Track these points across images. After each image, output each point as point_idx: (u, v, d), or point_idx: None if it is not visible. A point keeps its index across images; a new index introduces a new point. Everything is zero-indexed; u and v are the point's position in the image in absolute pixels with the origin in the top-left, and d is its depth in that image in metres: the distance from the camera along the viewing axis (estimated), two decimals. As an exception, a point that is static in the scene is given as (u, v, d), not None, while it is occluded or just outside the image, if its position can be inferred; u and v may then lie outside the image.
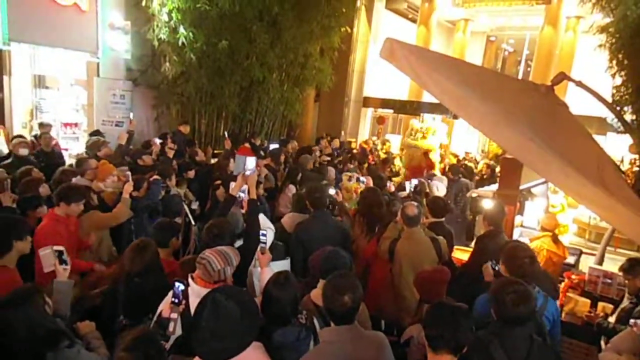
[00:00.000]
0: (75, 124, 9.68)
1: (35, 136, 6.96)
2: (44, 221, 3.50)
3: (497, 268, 3.24)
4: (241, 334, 1.80)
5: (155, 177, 4.53)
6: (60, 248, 2.63)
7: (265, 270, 2.81)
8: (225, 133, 8.36)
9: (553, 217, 4.83)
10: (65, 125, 9.38)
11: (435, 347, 1.88)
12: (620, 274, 4.06)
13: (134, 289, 2.64)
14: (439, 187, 5.77)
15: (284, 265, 3.27)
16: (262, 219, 3.35)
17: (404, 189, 5.84)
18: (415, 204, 3.64)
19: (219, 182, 5.26)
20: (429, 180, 6.22)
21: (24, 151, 5.45)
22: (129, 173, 4.36)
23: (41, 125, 7.14)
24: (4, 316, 2.01)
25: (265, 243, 2.90)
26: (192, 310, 2.18)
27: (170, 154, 6.34)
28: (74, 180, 4.42)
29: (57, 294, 2.45)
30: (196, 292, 2.25)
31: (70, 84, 9.92)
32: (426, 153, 9.41)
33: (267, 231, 3.04)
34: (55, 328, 2.10)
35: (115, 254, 4.03)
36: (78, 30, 8.07)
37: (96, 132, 7.28)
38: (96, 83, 8.54)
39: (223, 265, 2.36)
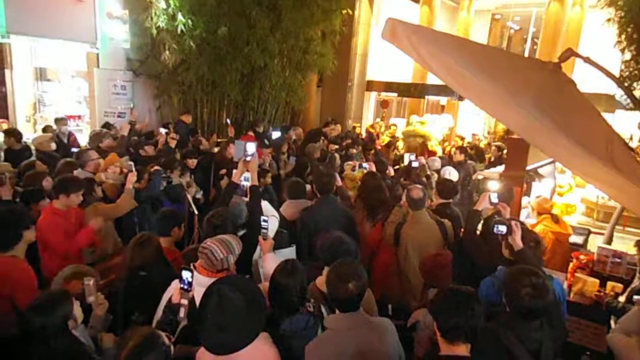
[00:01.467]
0: (79, 116, 9.69)
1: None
2: (42, 215, 3.52)
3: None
4: (247, 327, 1.78)
5: (156, 167, 4.51)
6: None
7: (268, 256, 2.79)
8: (228, 120, 8.31)
9: (545, 199, 4.78)
10: (68, 117, 9.37)
11: (452, 338, 1.84)
12: (631, 252, 4.03)
13: (140, 283, 2.63)
14: (452, 173, 5.70)
15: (290, 252, 3.26)
16: (266, 205, 3.33)
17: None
18: (420, 186, 3.59)
19: (224, 171, 5.24)
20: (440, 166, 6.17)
21: (54, 146, 5.78)
22: (131, 163, 4.34)
23: (57, 120, 7.15)
24: (30, 320, 2.00)
25: (266, 229, 2.87)
26: (197, 300, 2.17)
27: (173, 143, 6.32)
28: (75, 172, 4.42)
29: (90, 328, 2.42)
30: (200, 282, 2.23)
31: (71, 76, 9.91)
32: (424, 143, 9.19)
33: (270, 218, 3.01)
34: (75, 350, 2.09)
35: (121, 246, 4.04)
36: (76, 21, 7.99)
37: (106, 125, 7.28)
38: (97, 74, 8.49)
39: (225, 253, 2.34)
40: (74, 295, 2.26)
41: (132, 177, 4.10)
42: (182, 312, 2.14)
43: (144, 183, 4.38)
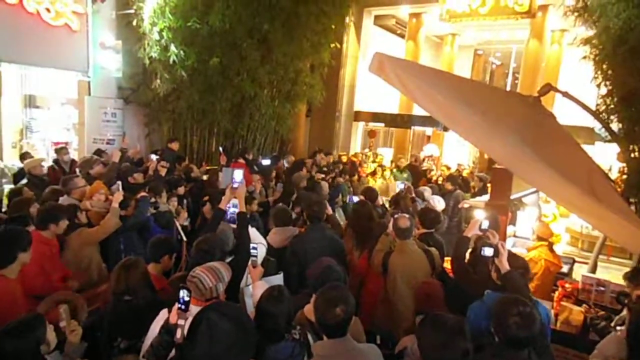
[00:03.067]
0: (66, 143, 9.66)
1: (55, 160, 6.93)
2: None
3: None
4: (237, 356, 1.77)
5: (143, 194, 4.47)
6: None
7: (258, 284, 2.79)
8: (220, 148, 8.37)
9: (547, 225, 4.86)
10: (55, 144, 9.35)
11: None
12: (614, 281, 4.11)
13: (125, 307, 2.59)
14: (440, 201, 5.75)
15: (277, 280, 3.25)
16: (253, 232, 3.34)
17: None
18: (407, 215, 3.64)
19: (206, 197, 5.25)
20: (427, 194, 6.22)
21: (45, 170, 5.81)
22: (119, 183, 4.32)
23: (57, 150, 7.11)
24: (2, 344, 1.94)
25: (256, 257, 2.88)
26: (185, 328, 2.14)
27: (163, 171, 6.32)
28: (61, 199, 4.38)
29: (65, 356, 2.35)
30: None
31: (61, 103, 9.92)
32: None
33: (258, 245, 3.02)
34: None
35: (106, 272, 3.97)
36: (69, 50, 8.09)
37: (98, 152, 7.26)
38: (87, 102, 8.53)
39: (215, 282, 2.33)
40: (53, 321, 2.22)
41: (118, 196, 4.07)
42: (178, 334, 2.09)
43: (130, 210, 4.35)
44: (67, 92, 9.30)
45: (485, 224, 3.34)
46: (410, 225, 3.55)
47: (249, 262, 2.90)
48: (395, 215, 3.67)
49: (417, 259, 3.54)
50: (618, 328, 3.11)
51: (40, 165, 5.75)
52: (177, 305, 2.09)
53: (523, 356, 2.05)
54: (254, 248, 2.90)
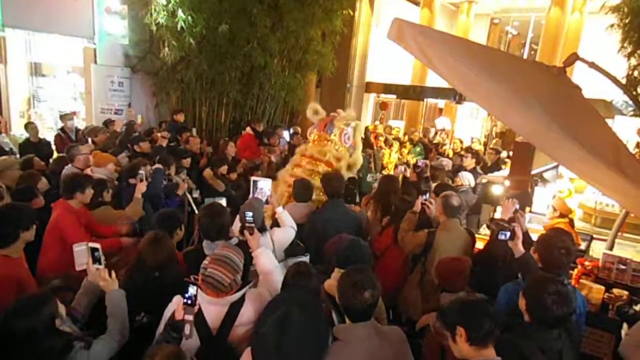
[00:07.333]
0: (74, 113, 9.56)
1: (61, 128, 6.89)
2: (58, 211, 3.40)
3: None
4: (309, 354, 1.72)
5: (158, 166, 4.40)
6: (96, 245, 2.39)
7: (259, 251, 2.61)
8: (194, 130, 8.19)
9: (563, 200, 4.73)
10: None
11: (486, 342, 1.77)
12: (636, 259, 3.99)
13: (152, 283, 2.53)
14: (470, 179, 5.53)
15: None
16: (286, 216, 3.24)
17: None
18: (455, 193, 3.53)
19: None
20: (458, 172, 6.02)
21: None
22: (142, 172, 4.22)
23: (62, 116, 7.03)
24: (8, 325, 1.87)
25: (252, 223, 2.72)
26: (209, 319, 2.12)
27: (164, 142, 6.22)
28: (65, 168, 4.32)
29: (82, 295, 2.31)
30: (211, 302, 2.14)
31: (67, 72, 9.78)
32: None
33: (287, 228, 3.03)
34: (58, 345, 1.97)
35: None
36: (73, 15, 7.88)
37: (107, 122, 7.18)
38: (94, 70, 8.38)
39: (232, 276, 2.16)
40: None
41: (142, 187, 3.93)
42: (187, 329, 2.00)
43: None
44: (73, 60, 9.13)
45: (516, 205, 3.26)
46: (461, 204, 3.46)
47: (245, 230, 2.72)
48: (446, 193, 3.53)
49: (462, 238, 3.47)
50: None
51: None
52: (181, 300, 2.02)
53: (554, 336, 1.98)
54: (248, 215, 2.74)
